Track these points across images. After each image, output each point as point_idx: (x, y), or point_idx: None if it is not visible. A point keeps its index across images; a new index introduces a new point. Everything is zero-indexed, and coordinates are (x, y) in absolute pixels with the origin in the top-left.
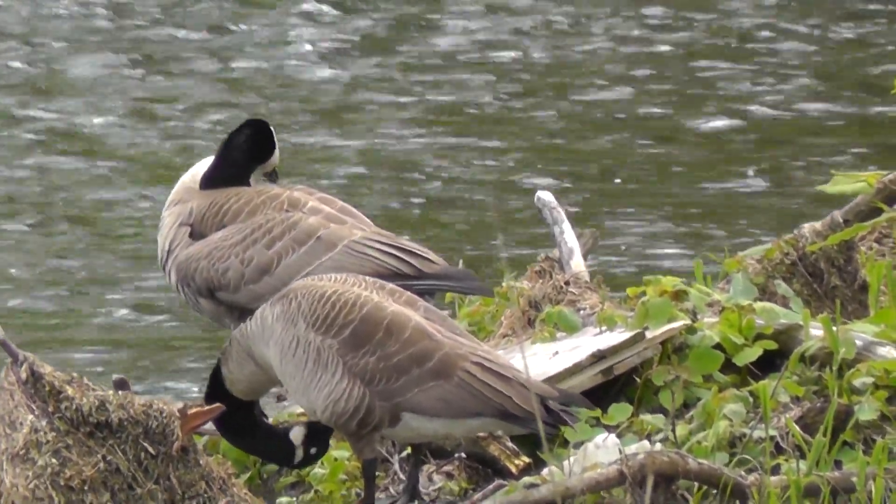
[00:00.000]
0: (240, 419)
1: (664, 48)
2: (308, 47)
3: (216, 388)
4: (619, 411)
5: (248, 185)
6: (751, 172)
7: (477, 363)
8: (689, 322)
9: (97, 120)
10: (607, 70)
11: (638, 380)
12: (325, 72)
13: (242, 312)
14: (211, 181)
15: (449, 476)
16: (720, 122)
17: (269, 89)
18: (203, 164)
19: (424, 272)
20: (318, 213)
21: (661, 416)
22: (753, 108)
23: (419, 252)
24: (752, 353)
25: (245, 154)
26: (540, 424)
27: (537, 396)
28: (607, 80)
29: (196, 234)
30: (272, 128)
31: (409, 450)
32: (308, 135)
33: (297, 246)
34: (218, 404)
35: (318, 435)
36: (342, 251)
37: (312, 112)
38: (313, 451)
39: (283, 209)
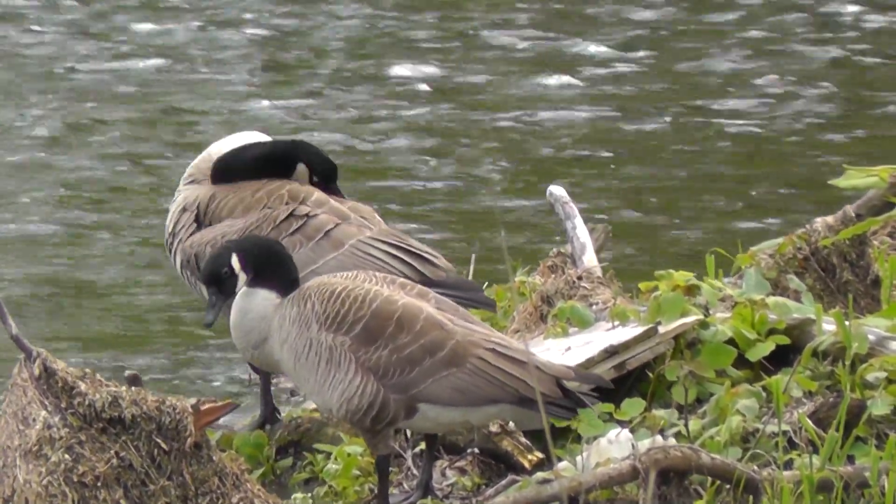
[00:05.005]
0: None
1: (669, 31)
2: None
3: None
4: (632, 406)
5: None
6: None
7: (490, 349)
8: (701, 317)
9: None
10: (617, 61)
11: (651, 375)
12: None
13: None
14: (222, 173)
15: (462, 471)
16: (736, 118)
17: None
18: (220, 145)
19: (430, 279)
20: (323, 206)
21: (673, 411)
22: (766, 100)
23: (426, 256)
24: (765, 348)
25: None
26: (543, 411)
27: (554, 378)
28: (616, 70)
29: (199, 221)
30: (312, 156)
31: (422, 445)
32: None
33: (304, 241)
34: (230, 401)
35: None
36: (347, 251)
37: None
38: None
39: (283, 202)
